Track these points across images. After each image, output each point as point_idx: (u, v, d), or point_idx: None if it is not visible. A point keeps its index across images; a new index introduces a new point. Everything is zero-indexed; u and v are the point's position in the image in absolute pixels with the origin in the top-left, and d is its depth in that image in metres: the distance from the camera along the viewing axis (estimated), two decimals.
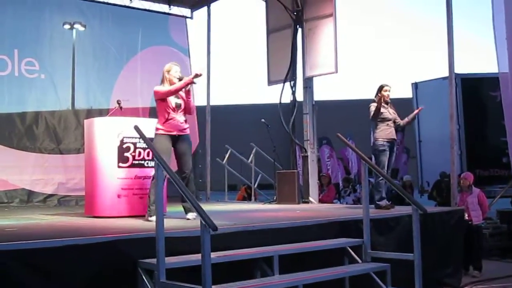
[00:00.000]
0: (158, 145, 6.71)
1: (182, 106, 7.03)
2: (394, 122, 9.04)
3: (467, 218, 9.48)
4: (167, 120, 6.94)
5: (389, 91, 9.00)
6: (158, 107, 7.04)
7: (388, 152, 8.81)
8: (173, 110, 6.95)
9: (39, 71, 12.17)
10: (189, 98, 7.13)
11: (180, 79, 6.97)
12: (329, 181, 14.53)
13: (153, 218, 6.60)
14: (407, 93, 17.08)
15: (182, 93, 7.02)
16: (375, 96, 9.00)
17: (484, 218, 10.47)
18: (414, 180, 16.11)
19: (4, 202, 11.22)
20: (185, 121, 7.11)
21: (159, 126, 6.96)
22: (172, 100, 6.94)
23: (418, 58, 72.23)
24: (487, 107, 14.54)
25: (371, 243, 6.74)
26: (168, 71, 7.04)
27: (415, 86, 16.46)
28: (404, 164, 18.22)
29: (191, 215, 6.79)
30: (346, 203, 13.60)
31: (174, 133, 6.95)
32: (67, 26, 12.79)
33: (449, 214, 8.78)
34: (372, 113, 8.85)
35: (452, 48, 9.38)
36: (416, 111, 9.38)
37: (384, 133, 8.84)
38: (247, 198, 14.51)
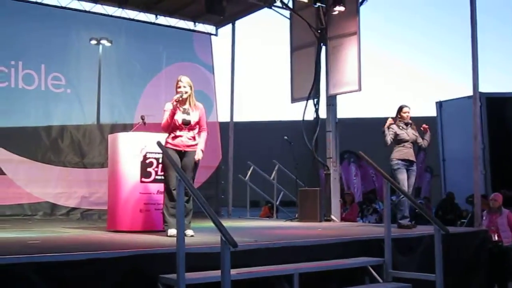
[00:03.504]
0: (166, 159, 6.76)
1: (192, 123, 7.00)
2: (417, 143, 9.01)
3: (496, 239, 9.36)
4: (175, 136, 6.96)
5: (408, 112, 8.99)
6: None
7: (404, 171, 8.77)
8: (180, 127, 6.94)
9: (65, 86, 12.34)
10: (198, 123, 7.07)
11: (176, 101, 6.87)
12: (353, 199, 14.47)
13: (171, 231, 6.64)
14: (432, 112, 17.01)
15: (191, 111, 6.99)
16: (395, 117, 8.99)
17: None
18: (438, 199, 15.97)
19: (28, 214, 11.36)
20: (193, 137, 7.04)
21: (168, 141, 6.98)
22: (180, 117, 6.92)
23: (444, 76, 71.91)
24: None
25: (392, 263, 6.67)
26: (176, 87, 7.01)
27: (440, 104, 16.38)
28: (427, 184, 18.08)
29: (189, 232, 6.75)
30: (369, 222, 13.51)
31: (180, 149, 6.96)
32: (93, 42, 12.97)
33: (472, 235, 8.68)
34: (385, 141, 8.86)
35: (477, 67, 9.33)
36: (425, 129, 9.19)
37: (399, 153, 8.83)
38: (270, 216, 14.49)
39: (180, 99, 6.90)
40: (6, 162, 11.37)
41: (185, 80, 6.99)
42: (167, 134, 7.03)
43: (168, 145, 6.91)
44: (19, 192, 11.41)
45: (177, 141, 6.95)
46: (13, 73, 11.72)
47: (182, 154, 6.96)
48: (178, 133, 6.96)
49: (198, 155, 7.07)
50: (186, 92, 6.94)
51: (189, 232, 6.69)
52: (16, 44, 11.82)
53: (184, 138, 6.97)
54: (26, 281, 4.43)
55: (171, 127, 6.95)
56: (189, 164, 6.96)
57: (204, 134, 7.17)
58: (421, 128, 9.09)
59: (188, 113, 6.97)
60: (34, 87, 11.96)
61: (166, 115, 6.93)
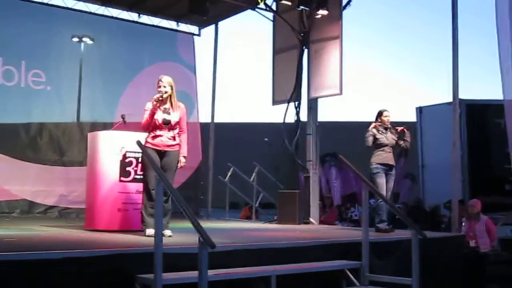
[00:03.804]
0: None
1: (172, 123, 6.97)
2: (398, 146, 9.07)
3: (474, 245, 9.44)
4: (155, 136, 6.94)
5: (388, 116, 9.05)
6: None
7: (383, 175, 8.82)
8: (160, 126, 6.92)
9: (45, 83, 12.23)
10: (177, 124, 7.05)
11: (156, 100, 6.86)
12: (332, 202, 14.52)
13: (149, 231, 6.63)
14: (412, 117, 17.09)
15: (172, 111, 6.98)
16: (375, 121, 9.04)
17: (492, 245, 10.41)
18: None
19: (5, 212, 11.23)
20: (174, 137, 7.02)
21: (148, 140, 6.96)
22: (160, 117, 6.91)
23: (424, 82, 72.34)
24: (492, 134, 14.51)
25: (369, 266, 6.71)
26: (157, 87, 6.99)
27: (420, 110, 16.45)
28: (408, 190, 18.15)
29: (167, 232, 6.73)
30: (347, 225, 13.56)
31: (160, 148, 6.94)
32: (75, 39, 12.89)
33: (449, 240, 8.76)
34: (367, 141, 8.91)
35: (457, 74, 9.42)
36: (402, 130, 9.25)
37: (378, 158, 8.89)
38: (250, 216, 14.49)
39: (160, 98, 6.89)
40: None
41: (165, 80, 6.98)
42: (147, 134, 7.01)
43: (148, 145, 6.89)
44: None
45: (157, 140, 6.93)
46: None
47: (162, 154, 6.94)
48: (158, 132, 6.95)
49: (181, 162, 7.07)
50: (166, 92, 6.93)
51: (167, 232, 6.68)
52: None
53: (164, 138, 6.96)
54: (2, 279, 4.40)
55: (151, 127, 6.94)
56: (168, 164, 6.95)
57: (184, 136, 7.16)
58: (398, 130, 9.13)
59: (168, 113, 6.96)
60: (14, 84, 11.85)
61: (146, 115, 6.92)
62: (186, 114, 7.24)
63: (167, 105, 6.97)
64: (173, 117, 6.97)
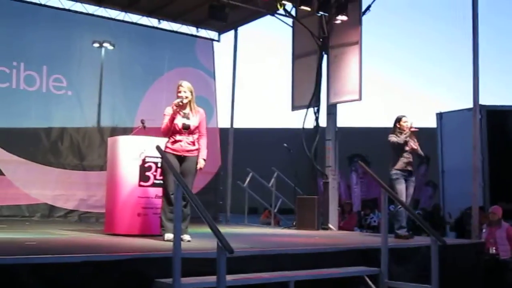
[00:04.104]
0: (165, 163, 6.80)
1: (191, 127, 7.00)
2: (417, 153, 8.99)
3: (494, 252, 9.35)
4: (174, 141, 6.96)
5: (407, 122, 8.91)
6: None
7: (403, 181, 8.74)
8: (179, 131, 6.94)
9: (66, 88, 12.34)
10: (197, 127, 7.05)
11: (176, 105, 6.89)
12: (351, 208, 14.47)
13: (168, 235, 6.66)
14: (432, 123, 16.99)
15: (191, 116, 7.00)
16: (394, 127, 8.94)
17: None
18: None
19: (26, 216, 11.36)
20: (193, 142, 7.04)
21: (167, 145, 6.99)
22: (179, 121, 6.93)
23: (444, 87, 71.83)
24: None
25: (388, 273, 6.68)
26: (177, 92, 7.02)
27: (440, 116, 16.35)
28: (429, 198, 18.03)
29: (186, 237, 6.75)
30: (366, 231, 13.51)
31: (180, 153, 6.96)
32: (96, 45, 13.00)
33: (469, 247, 8.69)
34: (393, 144, 8.82)
35: (477, 79, 9.34)
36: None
37: (399, 163, 8.80)
38: (270, 221, 14.45)
39: (181, 104, 6.91)
40: (6, 162, 11.37)
41: (185, 85, 7.00)
42: (166, 139, 7.04)
43: (168, 150, 6.91)
44: (18, 193, 11.41)
45: (176, 145, 6.96)
46: (14, 74, 11.73)
47: (181, 159, 6.97)
48: (177, 137, 6.97)
49: (200, 164, 7.08)
50: (186, 97, 6.95)
51: (185, 237, 6.70)
52: (19, 45, 11.86)
53: (184, 142, 6.97)
54: (22, 282, 4.45)
55: (170, 132, 6.96)
56: (188, 169, 6.96)
57: (203, 141, 7.16)
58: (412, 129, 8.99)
59: (188, 118, 6.98)
60: (35, 89, 11.98)
61: (166, 119, 6.95)
62: (205, 119, 7.25)
63: (187, 110, 6.99)
64: (193, 122, 6.99)
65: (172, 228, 6.49)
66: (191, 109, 7.02)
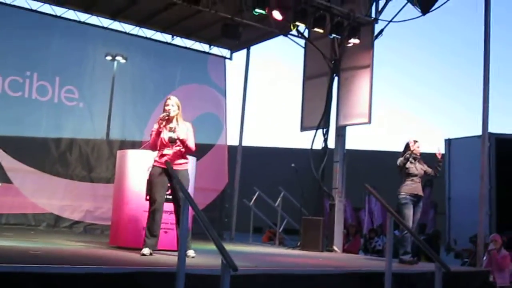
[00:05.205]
0: (153, 177, 6.94)
1: (178, 141, 6.95)
2: (426, 174, 8.96)
3: (492, 280, 9.31)
4: (162, 155, 6.98)
5: (419, 146, 8.92)
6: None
7: (411, 206, 8.69)
8: (166, 144, 6.96)
9: (78, 100, 12.44)
10: (183, 142, 6.99)
11: (162, 119, 6.93)
12: (356, 231, 14.43)
13: (145, 250, 6.69)
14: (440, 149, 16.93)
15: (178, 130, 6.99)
16: (403, 152, 8.93)
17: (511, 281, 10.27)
18: (442, 237, 15.86)
19: (32, 225, 11.39)
20: (181, 156, 7.01)
21: (156, 159, 7.04)
22: (166, 135, 6.95)
23: (454, 114, 71.78)
24: None
25: None
26: (164, 106, 7.06)
27: (448, 142, 16.30)
28: (431, 220, 17.95)
29: (190, 252, 6.74)
30: (371, 255, 13.45)
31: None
32: (109, 58, 13.11)
33: (474, 274, 8.63)
34: (399, 165, 8.82)
35: (487, 107, 9.36)
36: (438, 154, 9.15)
37: (408, 187, 8.76)
38: (273, 239, 14.42)
39: (167, 117, 6.97)
40: (14, 171, 11.43)
41: (173, 99, 7.08)
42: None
43: (156, 164, 6.98)
44: (25, 201, 11.45)
45: (163, 159, 6.97)
46: (27, 84, 11.84)
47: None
48: (165, 151, 6.99)
49: (178, 133, 6.96)
50: (173, 111, 7.00)
51: (190, 252, 6.70)
52: (33, 56, 11.98)
53: (171, 156, 6.98)
54: None
55: (157, 146, 7.01)
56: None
57: (191, 146, 7.04)
58: (437, 154, 8.99)
59: (174, 131, 6.99)
60: (47, 99, 12.07)
61: (154, 134, 7.01)
62: (193, 133, 7.14)
63: (173, 124, 7.03)
64: (179, 135, 6.99)
65: (151, 244, 6.78)
66: (178, 123, 7.05)
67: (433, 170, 8.99)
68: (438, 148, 9.11)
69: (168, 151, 6.97)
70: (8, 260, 5.14)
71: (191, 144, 7.05)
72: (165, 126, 6.99)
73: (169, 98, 7.08)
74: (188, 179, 7.09)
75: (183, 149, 7.03)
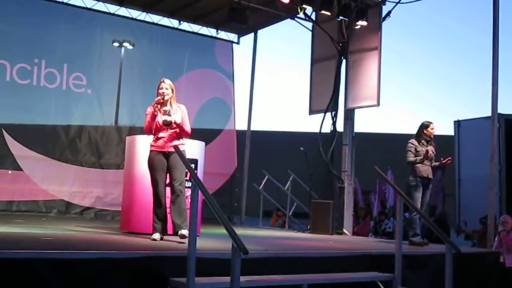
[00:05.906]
0: (151, 162, 6.94)
1: (173, 124, 6.95)
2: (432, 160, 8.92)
3: (502, 260, 9.31)
4: (157, 138, 7.00)
5: (433, 129, 8.87)
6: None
7: (421, 188, 8.67)
8: (161, 128, 6.97)
9: (86, 86, 12.45)
10: (180, 126, 7.01)
11: (157, 102, 6.93)
12: (365, 214, 14.43)
13: (155, 235, 6.74)
14: (450, 131, 16.88)
15: (172, 113, 7.00)
16: (417, 133, 8.87)
17: None
18: (451, 219, 15.84)
19: (43, 211, 11.46)
20: (177, 138, 7.00)
21: (152, 143, 7.05)
22: (160, 119, 6.95)
23: (463, 95, 71.43)
24: None
25: (402, 279, 6.66)
26: (158, 89, 7.05)
27: (458, 124, 16.22)
28: (440, 202, 17.92)
29: (185, 231, 6.60)
30: (380, 237, 13.46)
31: (164, 150, 6.97)
32: (116, 44, 13.10)
33: (484, 255, 8.64)
34: (409, 158, 8.77)
35: (497, 88, 9.31)
36: (444, 161, 9.10)
37: (418, 170, 8.73)
38: (282, 224, 14.42)
39: (161, 101, 6.97)
40: (24, 158, 11.49)
41: (167, 82, 7.08)
42: (185, 139, 7.08)
43: (152, 148, 7.00)
44: (35, 188, 11.53)
45: (159, 142, 6.98)
46: (36, 71, 11.87)
47: (166, 155, 6.98)
48: (160, 134, 7.00)
49: (174, 117, 6.97)
50: (167, 94, 7.01)
51: (184, 232, 6.58)
52: (41, 43, 11.99)
53: (167, 138, 6.99)
54: (38, 276, 4.51)
55: (152, 129, 7.02)
56: (175, 164, 6.93)
57: (187, 131, 7.08)
58: (445, 161, 8.98)
59: (169, 115, 7.00)
60: (55, 86, 12.10)
61: (148, 118, 7.01)
62: (187, 115, 7.16)
63: (167, 107, 7.02)
64: (174, 118, 7.00)
65: (160, 228, 6.84)
66: (172, 106, 7.05)
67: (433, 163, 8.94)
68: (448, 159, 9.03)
69: (163, 134, 6.99)
70: (21, 246, 5.19)
71: (187, 127, 7.09)
72: (159, 109, 7.00)
73: (163, 81, 7.08)
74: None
75: (178, 131, 7.06)
